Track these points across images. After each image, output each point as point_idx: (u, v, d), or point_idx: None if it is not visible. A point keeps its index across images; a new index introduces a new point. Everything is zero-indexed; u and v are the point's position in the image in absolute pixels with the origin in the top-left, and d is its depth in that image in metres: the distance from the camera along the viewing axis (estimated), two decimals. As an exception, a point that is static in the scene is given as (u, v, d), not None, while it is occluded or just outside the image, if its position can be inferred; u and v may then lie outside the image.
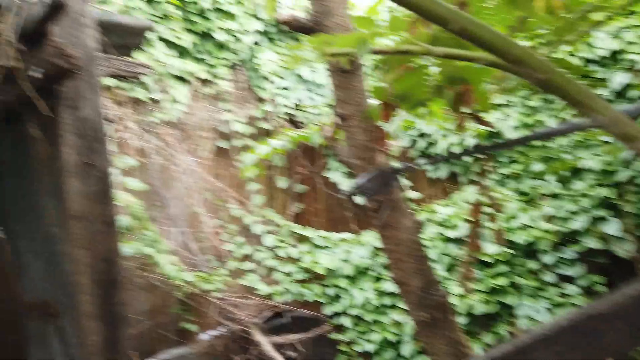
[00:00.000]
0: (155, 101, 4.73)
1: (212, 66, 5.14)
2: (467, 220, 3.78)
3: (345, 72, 1.77)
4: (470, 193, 4.22)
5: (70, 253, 1.94)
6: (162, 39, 4.74)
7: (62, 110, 1.71)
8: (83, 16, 1.76)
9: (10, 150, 2.21)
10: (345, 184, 5.13)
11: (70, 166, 1.78)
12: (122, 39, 2.14)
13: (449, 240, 4.08)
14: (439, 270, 3.93)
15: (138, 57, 3.91)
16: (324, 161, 5.60)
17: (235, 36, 5.24)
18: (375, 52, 1.02)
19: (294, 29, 1.78)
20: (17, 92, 1.71)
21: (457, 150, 4.40)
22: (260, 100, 5.49)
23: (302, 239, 5.27)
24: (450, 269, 3.99)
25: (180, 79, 4.91)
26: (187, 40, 4.88)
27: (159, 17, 4.70)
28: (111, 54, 2.01)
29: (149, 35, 2.24)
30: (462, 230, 3.94)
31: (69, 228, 1.88)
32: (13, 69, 1.66)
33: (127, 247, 3.96)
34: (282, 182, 5.51)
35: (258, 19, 5.38)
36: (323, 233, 5.29)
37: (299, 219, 5.60)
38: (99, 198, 1.88)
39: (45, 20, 1.59)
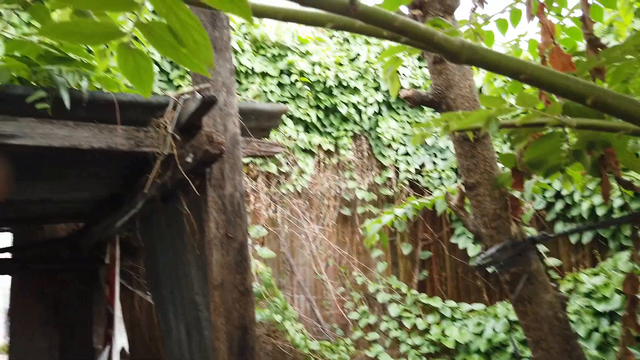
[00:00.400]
0: (284, 173, 5.07)
1: (336, 138, 5.40)
2: (620, 292, 3.33)
3: (470, 141, 1.75)
4: (622, 260, 3.75)
5: (210, 320, 2.09)
6: (291, 117, 5.13)
7: (209, 190, 1.92)
8: (229, 107, 2.01)
9: (164, 226, 2.51)
10: (474, 250, 4.88)
11: (213, 239, 1.96)
12: (261, 122, 2.37)
13: (599, 314, 3.61)
14: (589, 350, 3.47)
15: (273, 136, 4.29)
16: (449, 227, 5.42)
17: (357, 108, 5.48)
18: (505, 127, 1.01)
19: (416, 103, 1.83)
20: (173, 175, 1.97)
21: (601, 212, 3.99)
22: (382, 167, 5.58)
23: (429, 308, 5.05)
24: (602, 348, 3.50)
25: (307, 151, 5.21)
26: (313, 115, 5.22)
27: (289, 97, 5.12)
28: (251, 137, 2.23)
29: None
30: (615, 303, 3.47)
31: (210, 296, 2.04)
32: (171, 156, 1.92)
33: (258, 314, 4.14)
34: (406, 249, 5.42)
35: (379, 90, 5.59)
36: (451, 303, 5.02)
37: (424, 287, 5.41)
38: (237, 268, 2.02)
39: (198, 114, 1.84)
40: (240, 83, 4.86)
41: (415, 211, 4.90)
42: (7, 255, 3.93)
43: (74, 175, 2.57)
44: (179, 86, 4.44)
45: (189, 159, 1.82)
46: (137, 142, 1.89)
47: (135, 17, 0.51)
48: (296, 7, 0.58)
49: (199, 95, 1.76)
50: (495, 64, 0.65)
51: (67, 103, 1.71)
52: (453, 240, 5.35)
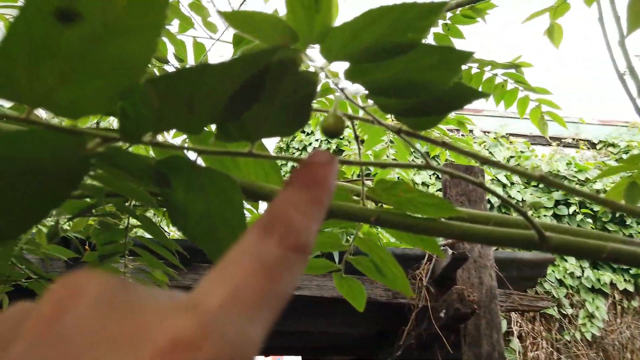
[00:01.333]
0: (567, 316, 4.41)
1: (634, 275, 4.50)
2: None
3: None
4: None
5: None
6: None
7: (464, 347, 1.84)
8: (484, 258, 1.97)
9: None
10: None
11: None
12: (523, 271, 2.22)
13: None
14: None
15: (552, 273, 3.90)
16: None
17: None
18: None
19: None
20: (428, 327, 1.98)
21: None
22: None
23: None
24: None
25: (596, 291, 4.47)
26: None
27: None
28: (510, 289, 2.10)
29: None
30: None
31: None
32: (426, 308, 1.96)
33: None
34: None
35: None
36: None
37: None
38: None
39: (451, 268, 1.86)
40: (509, 215, 4.67)
41: None
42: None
43: (345, 314, 2.84)
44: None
45: (442, 314, 1.82)
46: (394, 294, 2.00)
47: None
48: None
49: (450, 251, 1.80)
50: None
51: (337, 259, 1.98)
52: None
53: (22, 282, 1.10)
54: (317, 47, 0.33)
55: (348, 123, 0.44)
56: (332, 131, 0.32)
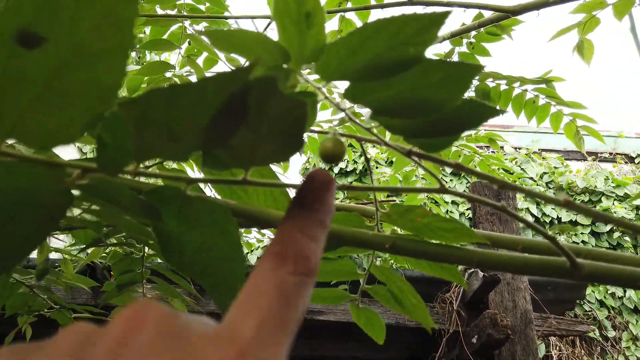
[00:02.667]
0: (609, 339, 4.19)
1: (681, 296, 4.26)
2: None
3: None
4: None
5: None
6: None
7: (499, 374, 1.75)
8: (517, 280, 1.88)
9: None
10: None
11: None
12: (560, 293, 2.12)
13: None
14: None
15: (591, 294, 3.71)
16: None
17: None
18: None
19: None
20: (460, 354, 1.90)
21: None
22: None
23: None
24: None
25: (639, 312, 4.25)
26: None
27: (606, 247, 4.44)
28: (547, 312, 2.00)
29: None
30: None
31: None
32: (457, 332, 1.88)
33: None
34: None
35: None
36: None
37: None
38: None
39: (482, 291, 1.78)
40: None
41: None
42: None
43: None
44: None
45: (474, 340, 1.74)
46: (423, 319, 1.93)
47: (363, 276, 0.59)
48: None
49: (481, 274, 1.73)
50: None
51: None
52: None
53: (45, 312, 1.10)
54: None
55: (356, 145, 0.41)
56: (330, 156, 0.30)
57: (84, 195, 0.30)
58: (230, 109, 0.23)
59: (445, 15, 0.25)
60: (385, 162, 5.01)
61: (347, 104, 0.35)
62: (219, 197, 0.43)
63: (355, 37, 0.27)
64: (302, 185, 0.26)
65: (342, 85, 0.35)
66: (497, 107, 0.31)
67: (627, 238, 4.42)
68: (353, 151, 4.87)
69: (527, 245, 0.53)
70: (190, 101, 0.22)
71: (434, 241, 0.47)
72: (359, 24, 1.27)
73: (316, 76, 0.32)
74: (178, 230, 0.33)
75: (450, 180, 4.83)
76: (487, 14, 1.25)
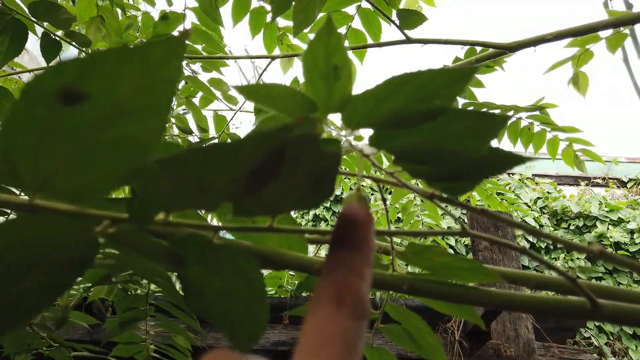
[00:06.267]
0: (611, 367, 4.15)
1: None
2: None
3: None
4: None
5: None
6: (610, 295, 4.35)
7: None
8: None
9: None
10: None
11: None
12: (562, 321, 2.10)
13: None
14: None
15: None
16: None
17: None
18: None
19: None
20: (464, 386, 1.86)
21: None
22: None
23: None
24: None
25: (639, 337, 4.21)
26: (640, 293, 4.30)
27: (603, 272, 4.44)
28: (549, 341, 1.98)
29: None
30: None
31: None
32: (460, 364, 1.85)
33: None
34: None
35: None
36: None
37: None
38: None
39: (485, 320, 1.76)
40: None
41: None
42: None
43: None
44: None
45: (478, 373, 1.71)
46: (425, 350, 1.90)
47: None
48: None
49: (483, 303, 1.71)
50: None
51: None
52: None
53: (44, 350, 1.08)
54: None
55: (374, 192, 0.41)
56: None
57: (109, 244, 0.30)
58: (265, 162, 0.23)
59: (474, 70, 0.26)
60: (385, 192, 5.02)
61: (368, 149, 0.35)
62: (231, 237, 0.42)
63: (383, 89, 0.28)
64: (342, 222, 0.26)
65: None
66: (523, 155, 0.32)
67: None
68: (346, 179, 4.88)
69: (540, 280, 0.53)
70: (227, 159, 0.22)
71: (450, 281, 0.47)
72: (355, 61, 1.29)
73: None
74: (201, 278, 0.33)
75: (446, 205, 4.83)
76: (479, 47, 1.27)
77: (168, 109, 0.22)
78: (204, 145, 0.22)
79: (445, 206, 0.42)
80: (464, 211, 4.80)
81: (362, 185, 5.10)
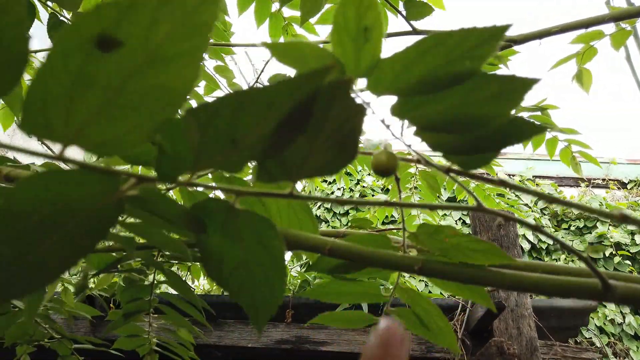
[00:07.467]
0: (610, 368, 4.14)
1: (680, 323, 4.24)
2: None
3: None
4: None
5: None
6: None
7: (506, 405, 1.71)
8: (521, 307, 1.86)
9: None
10: None
11: None
12: (564, 321, 2.09)
13: None
14: None
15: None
16: None
17: None
18: None
19: None
20: (466, 384, 1.85)
21: None
22: None
23: None
24: None
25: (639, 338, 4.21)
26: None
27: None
28: (552, 339, 1.97)
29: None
30: None
31: None
32: (462, 362, 1.84)
33: None
34: None
35: None
36: None
37: None
38: None
39: (487, 319, 1.76)
40: (541, 260, 4.51)
41: None
42: None
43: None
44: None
45: (481, 370, 1.71)
46: (427, 348, 1.90)
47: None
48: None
49: (486, 301, 1.71)
50: None
51: (365, 308, 1.90)
52: None
53: (45, 342, 1.07)
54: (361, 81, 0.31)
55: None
56: (384, 169, 0.30)
57: (133, 209, 0.29)
58: (296, 113, 0.23)
59: (505, 28, 0.26)
60: (382, 190, 5.02)
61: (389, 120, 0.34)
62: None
63: (412, 52, 0.27)
64: (380, 336, 0.27)
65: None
66: (539, 125, 0.31)
67: (627, 262, 4.42)
68: (350, 180, 4.88)
69: (547, 269, 0.52)
70: (263, 104, 0.22)
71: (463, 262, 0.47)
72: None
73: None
74: (221, 244, 0.32)
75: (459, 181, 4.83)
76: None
77: (201, 57, 0.22)
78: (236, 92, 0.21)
79: (458, 182, 0.42)
80: (465, 212, 4.80)
81: (363, 186, 5.10)
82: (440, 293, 3.70)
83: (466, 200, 4.56)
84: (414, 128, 0.34)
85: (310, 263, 0.50)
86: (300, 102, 0.23)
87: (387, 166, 0.29)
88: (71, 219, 0.26)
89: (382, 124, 0.34)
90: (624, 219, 0.30)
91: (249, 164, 0.29)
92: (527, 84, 0.28)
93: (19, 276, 0.26)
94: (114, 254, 0.69)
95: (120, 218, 0.36)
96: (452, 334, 0.54)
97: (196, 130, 0.23)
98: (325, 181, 5.09)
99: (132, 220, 0.34)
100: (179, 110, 0.24)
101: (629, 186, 5.38)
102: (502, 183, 0.35)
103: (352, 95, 0.32)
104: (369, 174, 5.04)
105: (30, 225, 0.25)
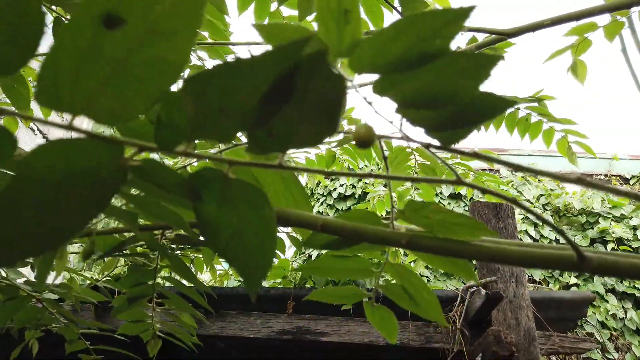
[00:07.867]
0: (612, 363, 4.15)
1: (682, 318, 4.24)
2: None
3: None
4: None
5: None
6: (612, 290, 4.36)
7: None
8: (520, 298, 1.89)
9: None
10: None
11: None
12: (562, 312, 2.12)
13: None
14: None
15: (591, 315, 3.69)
16: None
17: None
18: None
19: None
20: (465, 373, 1.88)
21: None
22: None
23: None
24: None
25: (641, 334, 4.23)
26: (642, 290, 4.32)
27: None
28: (550, 330, 2.00)
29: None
30: None
31: None
32: (461, 352, 1.87)
33: None
34: None
35: None
36: None
37: None
38: None
39: (485, 309, 1.79)
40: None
41: None
42: None
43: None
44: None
45: (478, 358, 1.73)
46: (427, 338, 1.93)
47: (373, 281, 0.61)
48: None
49: (483, 291, 1.73)
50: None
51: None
52: None
53: (53, 327, 1.10)
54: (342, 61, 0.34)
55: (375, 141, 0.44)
56: (364, 140, 0.33)
57: (136, 179, 0.32)
58: (280, 83, 0.26)
59: (470, 9, 0.28)
60: (382, 184, 5.04)
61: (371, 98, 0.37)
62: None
63: (389, 32, 0.30)
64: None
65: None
66: (507, 99, 0.34)
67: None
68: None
69: (530, 246, 0.55)
70: (250, 74, 0.25)
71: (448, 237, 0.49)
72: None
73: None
74: (217, 212, 0.35)
75: (449, 203, 4.86)
76: (481, 36, 1.30)
77: (196, 32, 0.25)
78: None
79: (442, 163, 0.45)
80: (465, 207, 4.83)
81: (365, 182, 5.12)
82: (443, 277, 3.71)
83: (472, 197, 4.58)
84: (397, 107, 0.37)
85: (303, 241, 0.53)
86: (283, 73, 0.26)
87: (365, 138, 0.32)
88: (80, 184, 0.29)
89: (365, 101, 0.37)
90: (579, 180, 0.33)
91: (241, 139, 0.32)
92: (491, 60, 0.31)
93: (38, 237, 0.29)
94: (118, 235, 0.72)
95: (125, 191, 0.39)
96: (438, 307, 0.57)
97: (191, 100, 0.26)
98: (328, 178, 5.12)
99: (134, 191, 0.37)
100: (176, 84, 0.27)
101: (631, 182, 5.38)
102: (475, 155, 0.38)
103: (333, 69, 0.35)
104: (371, 171, 5.06)
105: (46, 190, 0.28)
